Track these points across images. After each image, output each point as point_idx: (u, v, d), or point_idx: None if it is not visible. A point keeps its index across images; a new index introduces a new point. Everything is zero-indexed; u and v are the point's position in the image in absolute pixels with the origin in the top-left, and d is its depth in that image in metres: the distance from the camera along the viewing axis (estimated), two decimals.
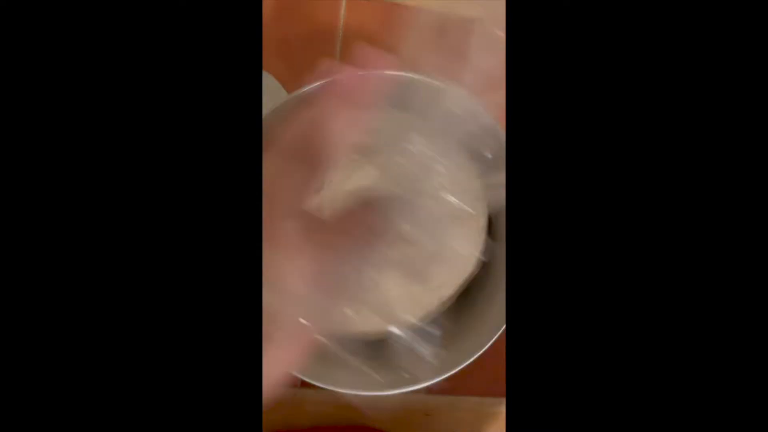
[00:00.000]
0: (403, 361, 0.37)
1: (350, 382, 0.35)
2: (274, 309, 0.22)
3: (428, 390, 0.48)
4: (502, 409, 0.50)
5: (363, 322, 0.38)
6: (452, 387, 0.48)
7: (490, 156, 0.38)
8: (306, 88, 0.33)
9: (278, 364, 0.23)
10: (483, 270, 0.40)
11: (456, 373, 0.35)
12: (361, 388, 0.34)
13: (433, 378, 0.35)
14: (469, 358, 0.35)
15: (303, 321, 0.23)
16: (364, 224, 0.26)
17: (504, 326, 0.35)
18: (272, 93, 0.37)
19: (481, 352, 0.34)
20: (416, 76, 0.34)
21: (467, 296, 0.40)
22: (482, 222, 0.39)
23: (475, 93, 0.32)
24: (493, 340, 0.35)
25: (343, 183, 0.36)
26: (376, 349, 0.39)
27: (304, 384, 0.45)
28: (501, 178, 0.37)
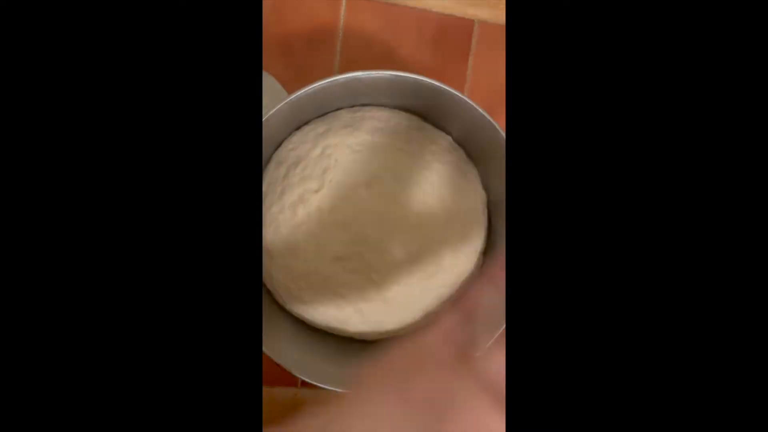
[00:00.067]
0: None
1: (350, 382, 0.35)
2: None
3: None
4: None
5: (361, 322, 0.38)
6: None
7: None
8: (306, 89, 0.33)
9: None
10: (483, 270, 0.40)
11: None
12: None
13: None
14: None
15: None
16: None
17: (503, 325, 0.35)
18: (272, 93, 0.38)
19: (481, 351, 0.34)
20: (416, 77, 0.34)
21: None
22: (482, 221, 0.39)
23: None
24: (493, 338, 0.35)
25: (344, 182, 0.36)
26: (376, 348, 0.39)
27: (304, 384, 0.45)
28: (500, 177, 0.37)
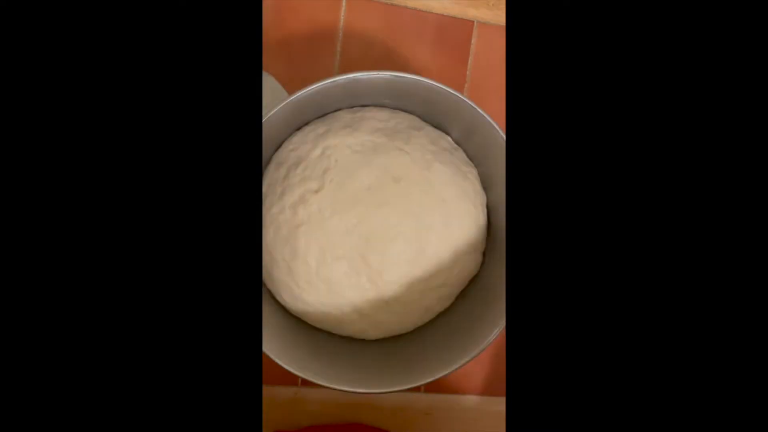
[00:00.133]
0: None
1: (351, 381, 0.35)
2: None
3: (428, 389, 0.48)
4: (502, 408, 0.50)
5: (362, 321, 0.38)
6: (452, 386, 0.48)
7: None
8: (307, 89, 0.33)
9: None
10: (483, 270, 0.40)
11: (456, 372, 0.35)
12: (362, 386, 0.34)
13: (433, 376, 0.35)
14: (469, 356, 0.35)
15: None
16: None
17: (503, 325, 0.35)
18: (273, 94, 0.38)
19: (481, 350, 0.35)
20: (416, 77, 0.34)
21: (467, 296, 0.40)
22: (481, 221, 0.39)
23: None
24: (493, 339, 0.35)
25: (344, 183, 0.36)
26: (376, 348, 0.39)
27: (304, 382, 0.45)
28: (500, 177, 0.38)
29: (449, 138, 0.39)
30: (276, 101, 0.33)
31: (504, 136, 0.35)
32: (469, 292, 0.40)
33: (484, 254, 0.40)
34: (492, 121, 0.34)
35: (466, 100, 0.34)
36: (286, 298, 0.38)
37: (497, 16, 0.46)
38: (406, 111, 0.39)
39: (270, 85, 0.38)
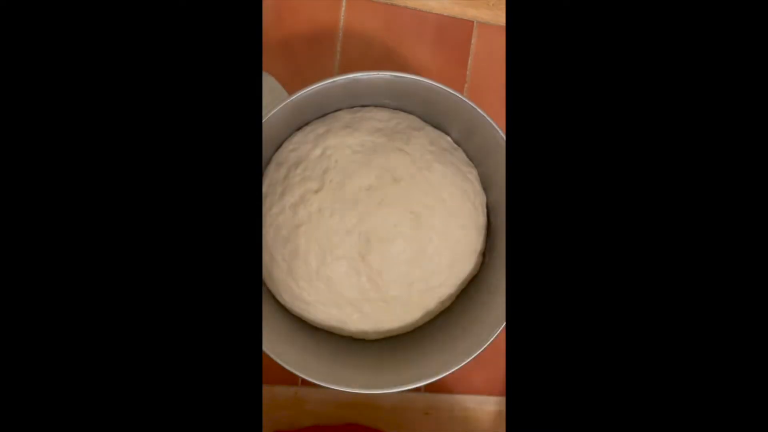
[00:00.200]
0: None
1: (351, 381, 0.35)
2: None
3: (428, 389, 0.48)
4: (502, 408, 0.50)
5: (362, 321, 0.38)
6: (452, 386, 0.48)
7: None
8: (307, 90, 0.33)
9: None
10: (483, 270, 0.40)
11: (456, 372, 0.35)
12: (362, 386, 0.34)
13: (433, 377, 0.35)
14: (469, 356, 0.35)
15: None
16: None
17: (503, 325, 0.35)
18: (273, 94, 0.38)
19: (481, 350, 0.35)
20: (416, 77, 0.34)
21: (467, 296, 0.40)
22: (481, 221, 0.39)
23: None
24: (493, 338, 0.35)
25: (344, 183, 0.36)
26: (376, 348, 0.39)
27: (304, 383, 0.45)
28: (500, 177, 0.38)
29: (449, 138, 0.39)
30: (276, 101, 0.33)
31: (504, 136, 0.35)
32: (469, 292, 0.40)
33: (484, 254, 0.40)
34: (492, 121, 0.34)
35: (466, 100, 0.34)
36: (286, 298, 0.38)
37: (497, 16, 0.46)
38: (406, 111, 0.39)
39: (270, 85, 0.38)
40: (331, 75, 0.34)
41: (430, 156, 0.37)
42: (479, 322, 0.37)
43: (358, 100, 0.38)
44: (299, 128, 0.39)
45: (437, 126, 0.39)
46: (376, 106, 0.39)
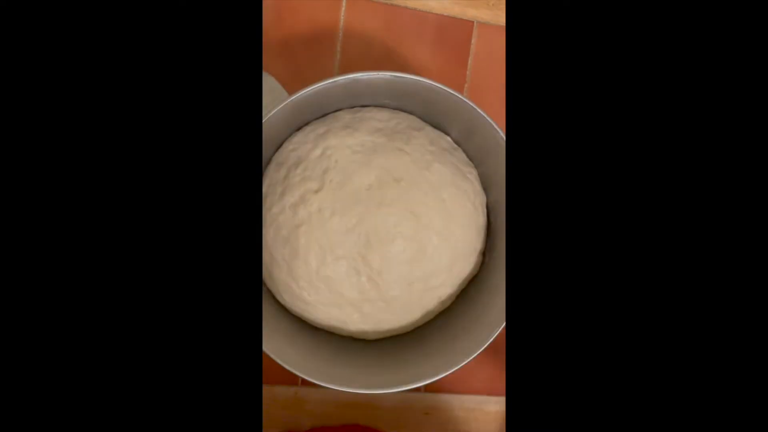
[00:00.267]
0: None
1: (351, 381, 0.35)
2: None
3: (428, 389, 0.48)
4: (502, 408, 0.50)
5: (362, 321, 0.38)
6: (452, 386, 0.49)
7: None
8: (307, 90, 0.33)
9: None
10: (483, 270, 0.40)
11: (456, 372, 0.35)
12: (362, 386, 0.34)
13: (433, 377, 0.35)
14: (469, 356, 0.35)
15: None
16: None
17: (503, 325, 0.35)
18: (273, 94, 0.38)
19: (481, 350, 0.35)
20: (416, 77, 0.34)
21: (467, 296, 0.40)
22: (481, 221, 0.39)
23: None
24: (493, 338, 0.35)
25: (344, 183, 0.36)
26: (376, 348, 0.39)
27: (304, 383, 0.45)
28: (500, 177, 0.38)
29: (449, 138, 0.39)
30: (276, 101, 0.33)
31: (504, 136, 0.35)
32: (468, 292, 0.40)
33: (483, 254, 0.40)
34: (492, 121, 0.34)
35: (466, 100, 0.34)
36: (286, 298, 0.38)
37: (497, 16, 0.46)
38: (406, 111, 0.39)
39: (270, 85, 0.38)
40: (331, 75, 0.34)
41: (430, 156, 0.37)
42: (479, 322, 0.37)
43: (358, 100, 0.38)
44: (299, 128, 0.39)
45: (437, 126, 0.40)
46: (376, 106, 0.39)
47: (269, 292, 0.39)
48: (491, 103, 0.46)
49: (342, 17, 0.44)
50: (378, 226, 0.35)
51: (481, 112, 0.34)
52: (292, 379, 0.45)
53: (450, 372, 0.35)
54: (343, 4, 0.44)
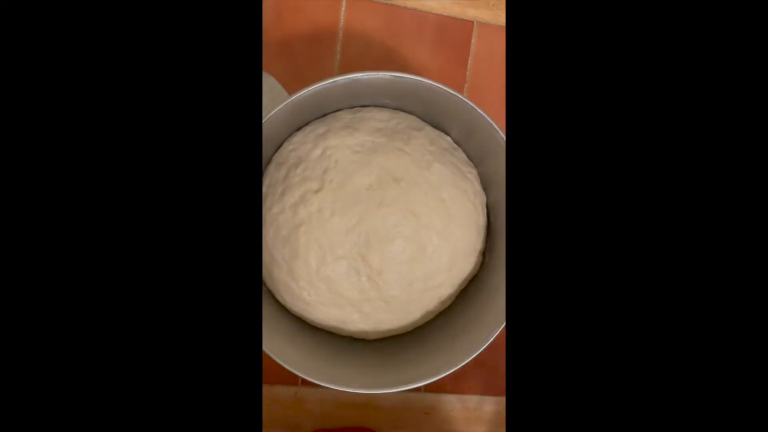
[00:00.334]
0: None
1: (351, 381, 0.35)
2: None
3: (428, 389, 0.48)
4: (502, 408, 0.50)
5: (362, 321, 0.38)
6: (452, 386, 0.49)
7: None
8: (307, 90, 0.33)
9: None
10: (483, 270, 0.40)
11: (456, 372, 0.35)
12: (362, 386, 0.34)
13: (433, 377, 0.35)
14: (469, 356, 0.35)
15: None
16: None
17: (503, 325, 0.35)
18: (273, 94, 0.38)
19: (481, 350, 0.35)
20: (416, 77, 0.34)
21: (467, 296, 0.40)
22: (481, 221, 0.39)
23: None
24: (492, 338, 0.35)
25: (344, 183, 0.36)
26: (376, 348, 0.39)
27: (304, 383, 0.45)
28: (500, 177, 0.38)
29: (449, 138, 0.39)
30: (276, 101, 0.33)
31: (504, 136, 0.35)
32: (468, 292, 0.40)
33: (483, 254, 0.40)
34: (492, 121, 0.34)
35: (466, 100, 0.34)
36: (286, 298, 0.38)
37: (497, 16, 0.46)
38: (406, 111, 0.39)
39: (270, 85, 0.38)
40: (331, 75, 0.34)
41: (430, 156, 0.37)
42: (479, 322, 0.37)
43: (358, 100, 0.38)
44: (299, 128, 0.39)
45: (437, 126, 0.40)
46: (376, 106, 0.39)
47: (269, 292, 0.39)
48: (491, 103, 0.46)
49: (342, 17, 0.44)
50: (378, 226, 0.35)
51: (481, 112, 0.34)
52: (292, 379, 0.45)
53: (450, 372, 0.35)
54: (343, 4, 0.44)
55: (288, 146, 0.38)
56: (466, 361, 0.35)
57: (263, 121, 0.33)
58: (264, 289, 0.39)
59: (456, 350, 0.36)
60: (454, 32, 0.46)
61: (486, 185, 0.40)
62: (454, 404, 0.49)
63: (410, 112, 0.39)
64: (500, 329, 0.35)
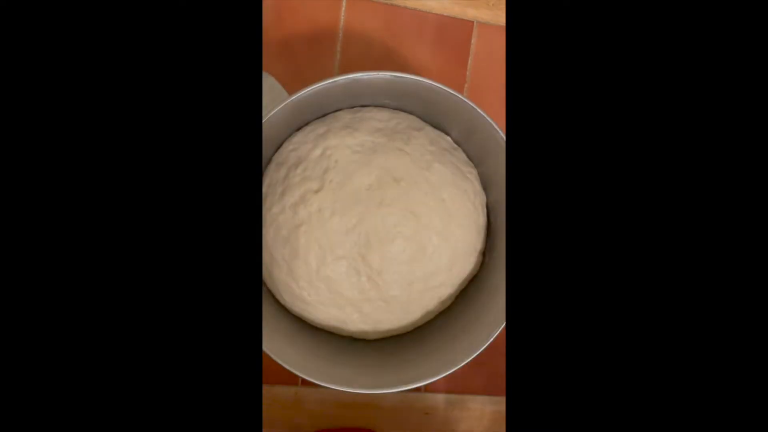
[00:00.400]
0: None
1: (351, 381, 0.35)
2: None
3: (428, 389, 0.48)
4: (502, 408, 0.50)
5: (362, 321, 0.38)
6: (452, 386, 0.49)
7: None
8: (307, 90, 0.33)
9: None
10: (483, 270, 0.40)
11: (456, 372, 0.35)
12: (362, 386, 0.34)
13: (433, 377, 0.35)
14: (469, 356, 0.35)
15: None
16: None
17: (503, 325, 0.35)
18: (273, 94, 0.38)
19: (481, 350, 0.35)
20: (416, 77, 0.34)
21: (467, 296, 0.40)
22: (481, 221, 0.39)
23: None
24: (492, 338, 0.35)
25: (344, 183, 0.36)
26: (376, 348, 0.39)
27: (304, 383, 0.45)
28: (500, 177, 0.38)
29: (449, 138, 0.39)
30: (276, 101, 0.33)
31: (504, 136, 0.35)
32: (468, 292, 0.40)
33: (483, 254, 0.40)
34: (492, 121, 0.34)
35: (466, 100, 0.34)
36: (286, 298, 0.38)
37: (497, 16, 0.46)
38: (406, 111, 0.39)
39: (270, 85, 0.38)
40: (331, 75, 0.34)
41: (430, 156, 0.37)
42: (479, 322, 0.37)
43: (358, 100, 0.38)
44: (299, 128, 0.39)
45: (437, 126, 0.40)
46: (376, 106, 0.39)
47: (269, 292, 0.39)
48: (491, 103, 0.46)
49: (342, 17, 0.44)
50: (378, 226, 0.35)
51: (481, 112, 0.34)
52: (292, 379, 0.45)
53: (450, 372, 0.35)
54: (343, 4, 0.44)
55: (288, 146, 0.38)
56: (466, 361, 0.35)
57: (263, 121, 0.33)
58: (264, 289, 0.39)
59: (456, 350, 0.36)
60: (454, 32, 0.46)
61: (486, 185, 0.40)
62: (454, 404, 0.49)
63: (410, 112, 0.39)
64: (500, 329, 0.35)
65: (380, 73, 0.34)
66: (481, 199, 0.39)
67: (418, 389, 0.48)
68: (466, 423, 0.49)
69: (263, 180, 0.38)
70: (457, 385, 0.49)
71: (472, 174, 0.39)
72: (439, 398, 0.48)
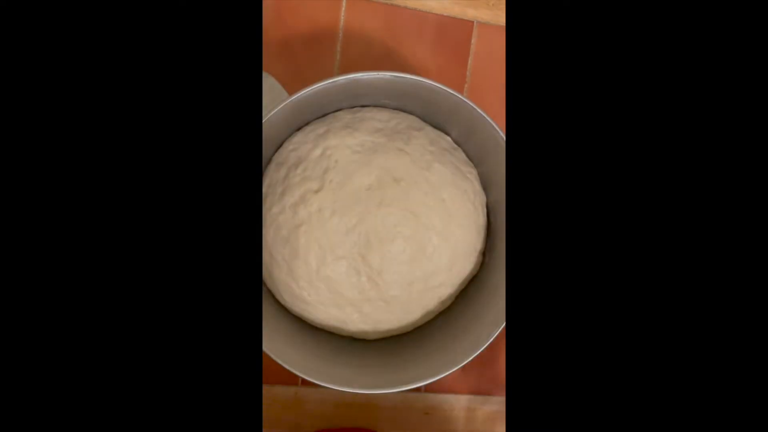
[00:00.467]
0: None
1: (351, 381, 0.35)
2: None
3: (428, 389, 0.48)
4: (502, 408, 0.50)
5: (362, 321, 0.38)
6: (452, 386, 0.49)
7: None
8: (307, 90, 0.33)
9: None
10: (483, 270, 0.40)
11: (456, 372, 0.35)
12: (362, 386, 0.34)
13: (433, 377, 0.35)
14: (469, 356, 0.35)
15: None
16: None
17: (503, 324, 0.35)
18: (273, 94, 0.38)
19: (481, 350, 0.35)
20: (416, 77, 0.34)
21: (467, 296, 0.40)
22: (481, 221, 0.39)
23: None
24: (492, 338, 0.35)
25: (344, 183, 0.36)
26: (376, 348, 0.39)
27: (304, 383, 0.45)
28: (500, 177, 0.38)
29: (449, 138, 0.39)
30: (276, 101, 0.33)
31: (504, 136, 0.35)
32: (468, 292, 0.40)
33: (483, 254, 0.40)
34: (492, 121, 0.34)
35: (466, 100, 0.34)
36: (286, 298, 0.38)
37: (497, 16, 0.46)
38: (406, 111, 0.39)
39: (270, 85, 0.38)
40: (331, 75, 0.34)
41: (430, 156, 0.37)
42: (479, 322, 0.37)
43: (358, 100, 0.38)
44: (299, 128, 0.39)
45: (437, 126, 0.40)
46: (376, 106, 0.39)
47: (269, 292, 0.39)
48: (491, 103, 0.46)
49: (342, 17, 0.44)
50: (378, 226, 0.35)
51: (481, 112, 0.34)
52: (292, 379, 0.45)
53: (450, 372, 0.35)
54: (343, 4, 0.44)
55: (288, 146, 0.38)
56: (467, 361, 0.35)
57: (263, 121, 0.33)
58: (264, 289, 0.39)
59: (456, 350, 0.36)
60: (454, 32, 0.46)
61: (486, 185, 0.40)
62: (454, 404, 0.49)
63: (410, 112, 0.39)
64: (500, 329, 0.35)
65: (380, 73, 0.34)
66: (481, 199, 0.39)
67: (418, 389, 0.48)
68: (466, 423, 0.49)
69: (263, 180, 0.38)
70: (458, 385, 0.49)
71: (472, 174, 0.39)
72: (439, 398, 0.48)
